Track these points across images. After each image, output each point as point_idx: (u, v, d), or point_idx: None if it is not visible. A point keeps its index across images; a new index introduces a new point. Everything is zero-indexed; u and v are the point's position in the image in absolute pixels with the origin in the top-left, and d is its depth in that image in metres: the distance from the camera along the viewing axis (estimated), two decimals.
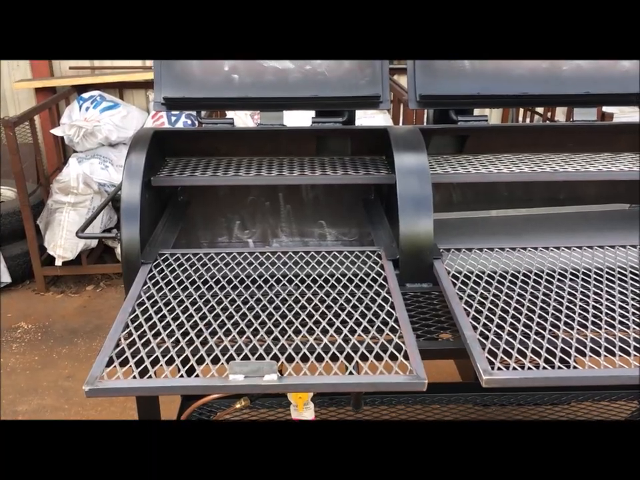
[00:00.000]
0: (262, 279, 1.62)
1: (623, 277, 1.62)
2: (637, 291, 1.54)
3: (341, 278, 1.63)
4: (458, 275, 1.63)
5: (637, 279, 1.61)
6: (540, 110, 4.54)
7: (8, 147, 3.63)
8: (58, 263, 3.84)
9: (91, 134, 4.24)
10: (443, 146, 2.12)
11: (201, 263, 1.69)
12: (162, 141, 1.95)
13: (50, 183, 4.10)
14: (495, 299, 1.51)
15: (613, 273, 1.64)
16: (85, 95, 4.43)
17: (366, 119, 3.81)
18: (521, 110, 4.73)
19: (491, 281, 1.61)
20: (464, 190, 2.25)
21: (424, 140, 1.85)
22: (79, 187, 3.89)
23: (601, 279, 1.62)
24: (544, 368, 1.25)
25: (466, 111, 1.98)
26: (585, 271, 1.66)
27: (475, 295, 1.53)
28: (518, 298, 1.52)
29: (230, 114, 3.23)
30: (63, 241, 3.81)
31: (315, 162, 2.03)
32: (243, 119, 4.17)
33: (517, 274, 1.64)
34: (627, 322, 1.40)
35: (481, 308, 1.47)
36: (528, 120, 4.74)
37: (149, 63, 4.81)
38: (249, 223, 2.26)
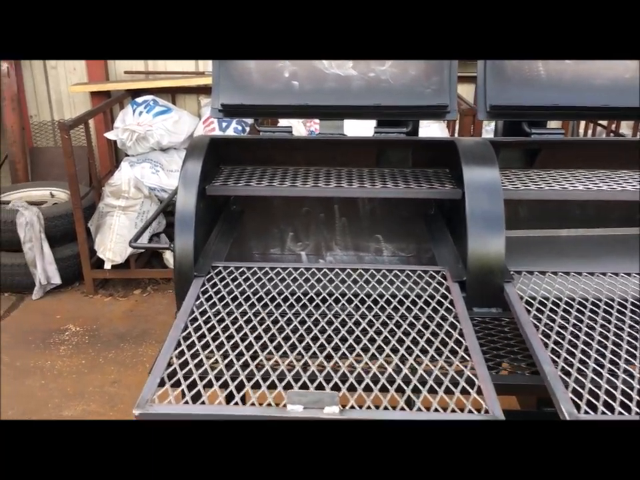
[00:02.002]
0: (319, 298, 1.53)
1: None
2: None
3: (404, 299, 1.52)
4: (532, 301, 1.50)
5: None
6: (603, 122, 4.33)
7: (63, 149, 3.66)
8: (107, 266, 3.84)
9: (143, 138, 4.25)
10: (511, 159, 1.99)
11: (255, 277, 1.61)
12: (217, 148, 1.88)
13: (102, 185, 4.12)
14: (575, 330, 1.38)
15: None
16: (139, 100, 4.45)
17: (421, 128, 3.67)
18: (582, 122, 4.52)
19: (569, 309, 1.47)
20: (531, 206, 2.11)
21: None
22: (130, 191, 3.89)
23: None
24: (637, 413, 1.11)
25: (539, 123, 1.84)
26: None
27: (552, 324, 1.41)
28: (601, 330, 1.38)
29: (283, 121, 3.16)
30: (112, 244, 3.81)
31: (374, 174, 1.93)
32: (296, 127, 4.10)
33: (597, 302, 1.50)
34: None
35: (559, 339, 1.34)
36: (590, 133, 4.53)
37: (201, 68, 4.81)
38: (303, 235, 2.18)
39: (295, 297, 1.53)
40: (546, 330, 1.38)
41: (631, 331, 1.39)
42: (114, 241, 3.83)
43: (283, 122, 3.06)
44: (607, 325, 1.41)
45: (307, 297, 1.53)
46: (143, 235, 1.89)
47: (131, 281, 4.02)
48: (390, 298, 1.53)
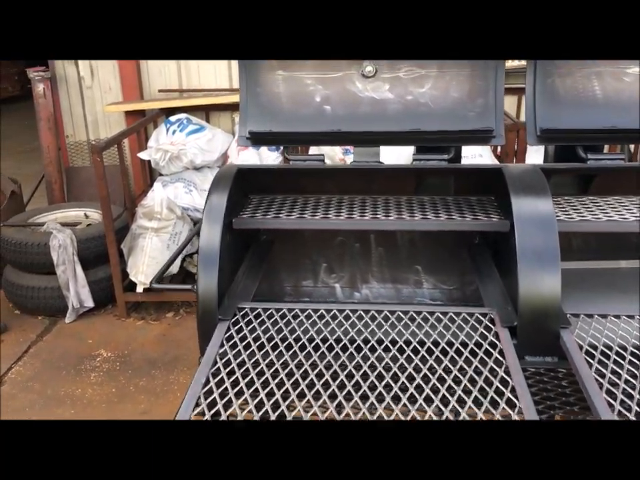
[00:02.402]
0: (354, 346, 1.39)
1: None
2: None
3: (447, 348, 1.37)
4: (593, 351, 1.33)
5: None
6: None
7: (95, 171, 3.63)
8: (139, 289, 3.79)
9: (176, 157, 4.20)
10: (563, 185, 1.82)
11: (284, 321, 1.49)
12: (245, 177, 1.78)
13: (136, 206, 4.09)
14: None
15: None
16: (172, 118, 4.41)
17: (472, 159, 3.48)
18: None
19: (636, 361, 1.30)
20: (586, 235, 1.94)
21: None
22: (163, 212, 3.83)
23: None
24: None
25: (595, 147, 1.68)
26: None
27: (617, 380, 1.24)
28: None
29: (313, 148, 3.03)
30: (144, 267, 3.76)
31: (413, 202, 1.79)
32: (329, 153, 3.97)
33: None
34: None
35: (627, 400, 1.18)
36: None
37: (235, 84, 4.75)
38: (337, 266, 2.05)
39: (327, 345, 1.40)
40: (611, 387, 1.21)
41: None
42: (146, 264, 3.77)
43: (314, 149, 2.93)
44: None
45: (340, 345, 1.39)
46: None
47: (163, 303, 3.96)
48: (431, 346, 1.38)
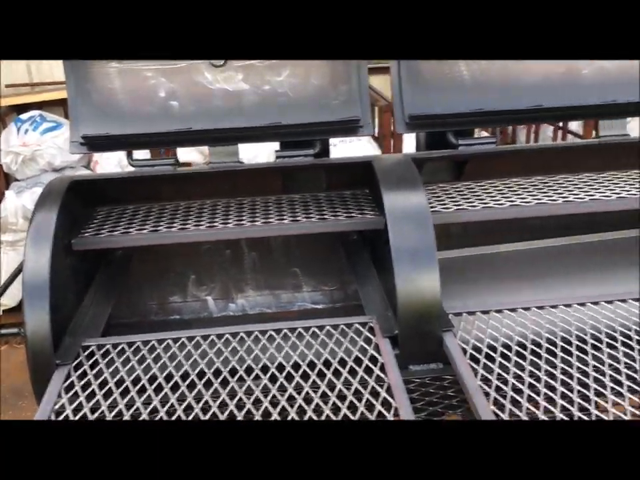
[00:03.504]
0: (220, 378, 1.21)
1: None
2: None
3: (324, 370, 1.23)
4: (477, 355, 1.24)
5: None
6: (576, 128, 3.79)
7: None
8: None
9: (31, 160, 3.77)
10: (437, 172, 1.73)
11: (138, 357, 1.27)
12: (86, 189, 1.53)
13: None
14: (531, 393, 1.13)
15: None
16: (24, 116, 3.94)
17: (350, 143, 3.36)
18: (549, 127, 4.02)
19: (520, 361, 1.22)
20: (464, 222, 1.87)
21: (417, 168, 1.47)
22: (18, 223, 3.43)
23: None
24: None
25: (466, 132, 1.59)
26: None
27: (505, 387, 1.15)
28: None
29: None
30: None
31: (282, 203, 1.63)
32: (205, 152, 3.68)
33: (554, 340, 1.25)
34: None
35: (516, 410, 1.09)
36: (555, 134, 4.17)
37: None
38: (206, 277, 1.85)
39: (188, 381, 1.20)
40: (499, 397, 1.12)
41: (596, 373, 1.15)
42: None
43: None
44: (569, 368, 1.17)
45: (204, 379, 1.21)
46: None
47: None
48: (307, 369, 1.23)
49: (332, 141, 1.75)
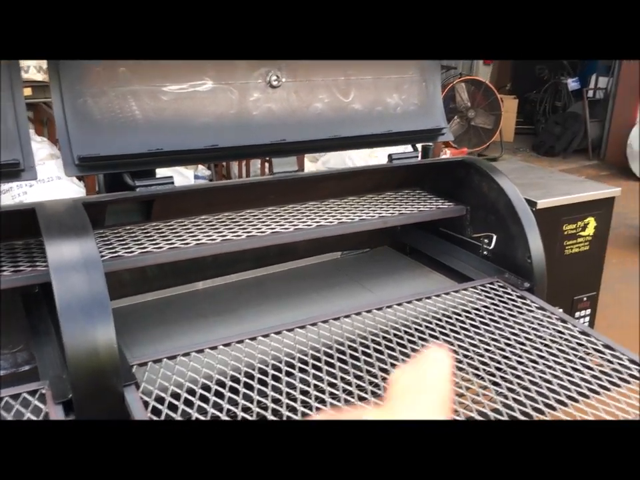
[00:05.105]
0: None
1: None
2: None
3: None
4: (159, 407, 1.19)
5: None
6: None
7: None
8: None
9: None
10: (125, 213, 1.66)
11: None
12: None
13: None
14: None
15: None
16: None
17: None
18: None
19: (204, 405, 1.20)
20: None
21: (97, 211, 1.38)
22: None
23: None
24: None
25: (146, 172, 1.55)
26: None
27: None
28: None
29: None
30: None
31: None
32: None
33: (237, 377, 1.27)
34: None
35: None
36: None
37: None
38: None
39: None
40: None
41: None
42: None
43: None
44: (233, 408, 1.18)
45: None
46: None
47: None
48: None
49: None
